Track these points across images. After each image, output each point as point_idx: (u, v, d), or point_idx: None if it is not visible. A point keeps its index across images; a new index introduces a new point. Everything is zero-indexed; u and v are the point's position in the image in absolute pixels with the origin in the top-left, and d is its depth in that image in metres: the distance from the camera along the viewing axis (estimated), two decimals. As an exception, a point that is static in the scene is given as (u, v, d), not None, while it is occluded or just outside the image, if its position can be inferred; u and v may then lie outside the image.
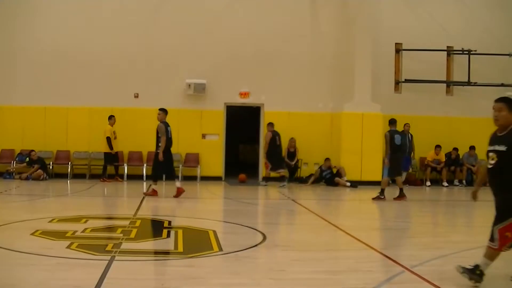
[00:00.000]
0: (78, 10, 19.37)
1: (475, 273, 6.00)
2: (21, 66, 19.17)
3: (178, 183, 14.70)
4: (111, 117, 18.50)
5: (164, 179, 16.09)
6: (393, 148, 14.89)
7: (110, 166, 18.73)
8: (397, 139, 15.00)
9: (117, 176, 18.74)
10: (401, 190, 15.03)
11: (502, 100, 6.29)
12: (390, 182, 15.93)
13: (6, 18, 19.15)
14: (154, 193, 14.58)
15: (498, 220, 6.02)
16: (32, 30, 19.18)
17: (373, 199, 14.91)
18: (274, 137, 18.63)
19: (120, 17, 19.47)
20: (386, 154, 15.13)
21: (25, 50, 19.16)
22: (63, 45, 19.14)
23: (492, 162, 6.11)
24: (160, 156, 14.48)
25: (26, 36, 19.16)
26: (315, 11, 20.39)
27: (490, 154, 6.17)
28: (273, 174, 18.88)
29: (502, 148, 6.02)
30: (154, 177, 15.00)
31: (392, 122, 15.32)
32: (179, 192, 14.48)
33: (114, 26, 19.37)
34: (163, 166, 14.72)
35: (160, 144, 14.52)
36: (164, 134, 14.55)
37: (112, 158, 18.60)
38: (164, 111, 14.97)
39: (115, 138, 18.51)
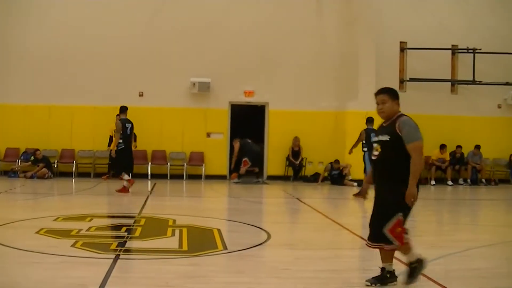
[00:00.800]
0: (83, 9, 19.39)
1: (386, 277, 5.93)
2: (26, 65, 19.21)
3: (126, 179, 14.60)
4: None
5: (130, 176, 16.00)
6: (370, 146, 14.92)
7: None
8: (373, 137, 14.97)
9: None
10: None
11: (383, 91, 6.18)
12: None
13: (12, 16, 19.19)
14: (124, 190, 14.53)
15: (382, 218, 5.76)
16: (38, 29, 19.22)
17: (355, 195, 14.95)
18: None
19: (125, 16, 19.50)
20: (350, 150, 15.42)
21: (30, 49, 19.21)
22: (68, 43, 19.19)
23: (376, 153, 5.92)
24: (113, 153, 14.59)
25: (31, 34, 19.20)
26: (319, 10, 20.37)
27: (375, 145, 5.98)
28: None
29: (385, 138, 5.85)
30: (118, 174, 15.00)
31: (370, 120, 15.37)
32: (123, 190, 14.44)
33: (119, 24, 19.41)
34: (123, 163, 14.68)
35: (120, 141, 14.44)
36: (119, 131, 14.43)
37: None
38: (120, 108, 14.89)
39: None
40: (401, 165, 5.72)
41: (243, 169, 18.78)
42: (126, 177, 14.60)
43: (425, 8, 20.68)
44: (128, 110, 14.92)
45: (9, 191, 15.12)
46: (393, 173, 5.78)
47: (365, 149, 15.30)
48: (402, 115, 5.98)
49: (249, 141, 19.00)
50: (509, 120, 21.17)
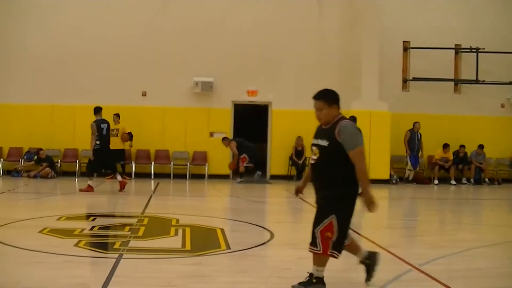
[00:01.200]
0: (85, 9, 19.41)
1: (312, 282, 5.70)
2: (29, 65, 19.23)
3: (119, 177, 14.77)
4: (114, 115, 18.54)
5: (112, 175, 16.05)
6: None
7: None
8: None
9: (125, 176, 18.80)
10: None
11: (319, 97, 5.87)
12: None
13: (13, 16, 19.22)
14: (89, 189, 14.52)
15: (316, 221, 5.64)
16: (39, 29, 19.22)
17: None
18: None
19: (127, 15, 19.50)
20: None
21: (32, 49, 19.20)
22: (70, 43, 19.19)
23: (315, 157, 5.71)
24: (91, 155, 14.81)
25: (32, 34, 19.20)
26: (322, 9, 20.35)
27: (313, 148, 5.76)
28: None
29: (324, 143, 5.63)
30: (89, 173, 15.11)
31: (353, 119, 15.42)
32: (122, 184, 14.64)
33: (122, 24, 19.41)
34: (100, 163, 14.88)
35: (97, 142, 14.61)
36: (95, 133, 14.60)
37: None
38: (94, 109, 15.04)
39: (115, 135, 18.49)
40: (339, 170, 5.57)
41: (242, 167, 18.81)
42: (90, 182, 14.71)
43: (428, 8, 20.65)
44: (102, 110, 15.16)
45: (12, 191, 15.15)
46: (332, 177, 5.62)
47: None
48: (342, 118, 5.77)
49: (242, 139, 19.01)
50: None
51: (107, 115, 18.60)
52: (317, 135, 5.81)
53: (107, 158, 14.98)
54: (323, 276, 5.72)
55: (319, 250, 5.56)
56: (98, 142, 14.62)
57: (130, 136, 18.57)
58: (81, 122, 18.86)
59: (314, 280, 5.70)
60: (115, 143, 18.48)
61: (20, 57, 19.23)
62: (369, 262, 6.02)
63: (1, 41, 19.29)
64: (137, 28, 19.48)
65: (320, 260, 5.68)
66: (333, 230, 5.53)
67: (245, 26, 19.79)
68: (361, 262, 6.05)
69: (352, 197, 5.64)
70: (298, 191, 6.20)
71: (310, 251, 5.68)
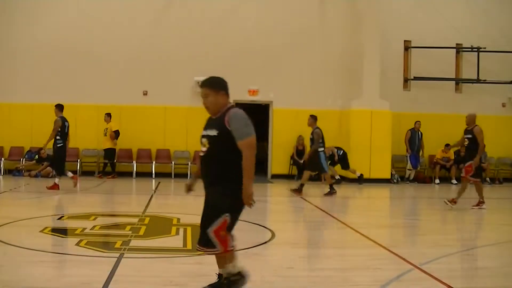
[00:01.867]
0: (86, 7, 19.42)
1: (223, 283, 5.44)
2: (30, 64, 19.23)
3: (57, 180, 14.72)
4: (105, 115, 18.67)
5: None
6: (324, 144, 15.18)
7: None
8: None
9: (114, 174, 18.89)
10: (301, 185, 15.19)
11: (204, 84, 5.43)
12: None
13: (18, 15, 19.22)
14: (55, 186, 14.56)
15: (208, 220, 5.22)
16: (42, 28, 19.22)
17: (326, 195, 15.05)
18: None
19: (129, 15, 19.51)
20: (312, 151, 15.09)
21: (34, 48, 19.20)
22: (71, 42, 19.17)
23: (204, 149, 5.33)
24: (43, 152, 15.10)
25: (35, 33, 19.21)
26: (324, 8, 20.35)
27: (203, 140, 5.35)
28: None
29: (213, 132, 5.27)
30: (59, 172, 15.08)
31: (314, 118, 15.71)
32: (54, 187, 14.53)
33: (123, 23, 19.41)
34: (63, 159, 14.97)
35: (58, 138, 14.64)
36: (57, 129, 14.63)
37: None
38: (58, 106, 15.05)
39: (105, 134, 18.56)
40: (230, 163, 5.20)
41: None
42: (69, 174, 14.86)
43: (429, 7, 20.64)
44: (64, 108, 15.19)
45: (13, 190, 15.16)
46: (222, 171, 5.24)
47: (321, 148, 15.18)
48: (232, 107, 5.46)
49: None
50: (513, 118, 21.16)
51: (111, 114, 18.78)
52: (207, 126, 5.43)
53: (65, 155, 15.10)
54: (239, 270, 5.45)
55: (219, 250, 5.25)
56: (59, 139, 14.68)
57: (116, 134, 18.57)
58: (83, 121, 18.90)
59: (225, 281, 5.43)
60: (104, 142, 18.52)
61: (21, 56, 19.22)
62: (238, 278, 5.48)
63: (3, 40, 19.28)
64: (138, 28, 19.48)
65: (225, 258, 5.41)
66: (226, 228, 5.25)
67: (246, 26, 19.79)
68: (228, 276, 5.48)
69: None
70: (189, 189, 5.76)
71: (207, 253, 5.32)
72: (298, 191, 15.03)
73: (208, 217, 5.24)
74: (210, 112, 5.44)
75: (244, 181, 5.15)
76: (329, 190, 15.14)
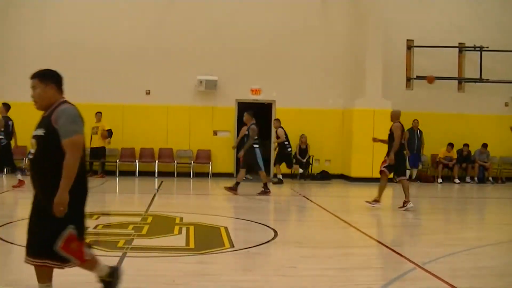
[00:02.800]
0: (89, 6, 19.42)
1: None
2: (31, 62, 19.13)
3: (19, 176, 14.83)
4: (96, 114, 18.54)
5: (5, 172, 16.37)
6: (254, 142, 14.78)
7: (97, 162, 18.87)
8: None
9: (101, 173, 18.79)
10: (236, 183, 14.78)
11: (34, 75, 4.93)
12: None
13: (15, 13, 19.23)
14: (21, 183, 14.65)
15: (49, 231, 4.71)
16: (41, 26, 19.22)
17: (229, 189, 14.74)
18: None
19: (132, 14, 19.52)
20: (247, 147, 14.70)
21: (36, 46, 19.18)
22: (72, 41, 19.16)
23: (33, 151, 4.81)
24: None
25: (35, 32, 19.21)
26: (326, 7, 20.34)
27: (32, 141, 4.82)
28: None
29: (40, 132, 4.75)
30: (14, 169, 15.43)
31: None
32: (19, 184, 14.66)
33: (126, 22, 19.42)
34: (10, 156, 15.32)
35: (2, 137, 14.98)
36: (1, 128, 14.96)
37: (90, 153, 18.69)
38: (4, 105, 15.26)
39: (95, 133, 18.48)
40: (60, 166, 4.63)
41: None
42: (19, 176, 14.86)
43: (432, 6, 20.61)
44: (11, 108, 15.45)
45: (15, 189, 15.17)
46: (53, 176, 4.64)
47: (257, 145, 14.95)
48: (65, 102, 4.94)
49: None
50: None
51: (113, 113, 18.78)
52: (37, 125, 4.87)
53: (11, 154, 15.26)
54: (107, 274, 5.19)
55: (77, 263, 4.89)
56: (3, 137, 14.99)
57: (109, 133, 18.53)
58: (85, 120, 18.82)
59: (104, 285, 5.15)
60: (95, 141, 18.47)
61: (22, 55, 19.18)
62: (111, 279, 5.23)
63: (7, 40, 19.28)
64: (141, 26, 19.49)
65: (47, 273, 4.96)
66: (76, 239, 4.80)
67: (249, 25, 19.79)
68: (101, 280, 5.22)
69: (82, 197, 4.99)
70: None
71: (63, 268, 4.91)
72: (234, 189, 14.68)
73: (47, 229, 4.72)
74: (37, 107, 4.93)
75: (61, 184, 4.60)
76: (262, 189, 14.77)
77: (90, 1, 19.51)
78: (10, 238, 7.86)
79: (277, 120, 18.47)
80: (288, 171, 19.73)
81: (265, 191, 14.78)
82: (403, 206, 12.31)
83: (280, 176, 18.32)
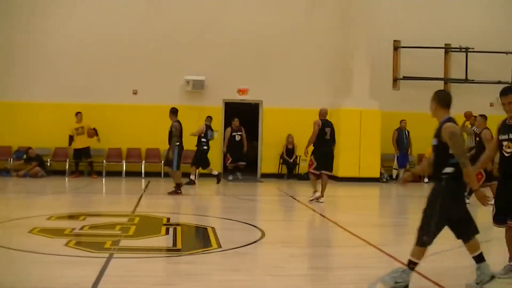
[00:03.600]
0: (74, 7, 19.33)
1: None
2: (17, 63, 19.11)
3: None
4: (77, 114, 18.42)
5: None
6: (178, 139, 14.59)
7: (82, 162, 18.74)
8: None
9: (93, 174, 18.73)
10: (177, 185, 14.56)
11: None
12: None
13: (12, 15, 19.15)
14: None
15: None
16: (30, 28, 19.10)
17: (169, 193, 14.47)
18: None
19: (119, 13, 19.42)
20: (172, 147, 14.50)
21: (21, 47, 19.08)
22: (59, 42, 19.10)
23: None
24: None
25: (24, 32, 19.11)
26: (313, 8, 20.37)
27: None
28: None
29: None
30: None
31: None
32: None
33: (112, 22, 19.32)
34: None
35: None
36: None
37: (74, 154, 18.62)
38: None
39: (81, 133, 18.37)
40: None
41: (229, 165, 19.14)
42: None
43: (418, 7, 20.72)
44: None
45: (1, 190, 15.09)
46: None
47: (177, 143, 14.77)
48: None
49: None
50: (502, 118, 21.17)
51: (98, 113, 18.71)
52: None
53: None
54: None
55: None
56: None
57: (95, 131, 18.41)
58: (71, 120, 18.76)
59: None
60: (81, 141, 18.35)
61: (7, 55, 19.08)
62: None
63: (6, 39, 19.17)
64: (128, 26, 19.41)
65: None
66: None
67: (236, 25, 19.77)
68: None
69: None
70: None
71: None
72: (176, 191, 14.44)
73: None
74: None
75: None
76: (174, 188, 14.51)
77: (76, 2, 19.42)
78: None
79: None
80: (274, 170, 19.76)
81: (176, 191, 14.40)
82: (314, 198, 13.24)
83: (193, 177, 17.40)
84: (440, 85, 21.12)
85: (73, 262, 6.66)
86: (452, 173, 5.67)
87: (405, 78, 20.74)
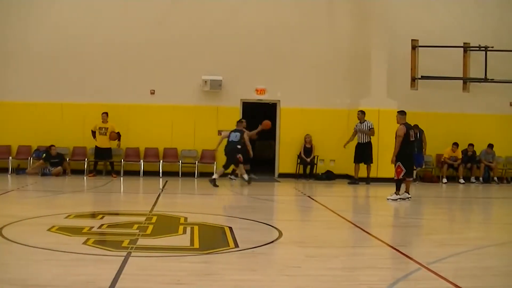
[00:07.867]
0: (94, 6, 19.45)
1: None
2: (39, 63, 19.26)
3: None
4: (103, 114, 18.54)
5: None
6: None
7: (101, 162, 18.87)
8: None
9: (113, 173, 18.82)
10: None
11: None
12: None
13: (22, 13, 19.28)
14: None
15: None
16: (50, 27, 19.27)
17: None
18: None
19: (136, 13, 19.54)
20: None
21: (42, 47, 19.22)
22: (78, 42, 19.23)
23: None
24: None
25: (45, 32, 19.26)
26: (331, 6, 20.33)
27: None
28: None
29: None
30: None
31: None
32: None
33: (131, 22, 19.44)
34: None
35: None
36: None
37: (96, 152, 18.74)
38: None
39: (104, 134, 18.45)
40: None
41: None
42: None
43: (437, 6, 20.59)
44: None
45: (21, 189, 15.20)
46: None
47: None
48: None
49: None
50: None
51: (118, 113, 18.82)
52: None
53: None
54: None
55: None
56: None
57: (118, 135, 18.47)
58: (91, 120, 18.88)
59: None
60: (103, 142, 18.44)
61: (30, 55, 19.26)
62: None
63: (12, 39, 19.32)
64: (145, 27, 19.51)
65: None
66: None
67: (254, 24, 19.79)
68: None
69: None
70: None
71: None
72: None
73: None
74: None
75: None
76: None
77: (95, 2, 19.54)
78: (13, 237, 7.86)
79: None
80: (292, 170, 19.75)
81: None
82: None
83: (245, 176, 17.37)
84: (458, 85, 21.01)
85: (91, 260, 6.70)
86: None
87: (423, 77, 20.61)
